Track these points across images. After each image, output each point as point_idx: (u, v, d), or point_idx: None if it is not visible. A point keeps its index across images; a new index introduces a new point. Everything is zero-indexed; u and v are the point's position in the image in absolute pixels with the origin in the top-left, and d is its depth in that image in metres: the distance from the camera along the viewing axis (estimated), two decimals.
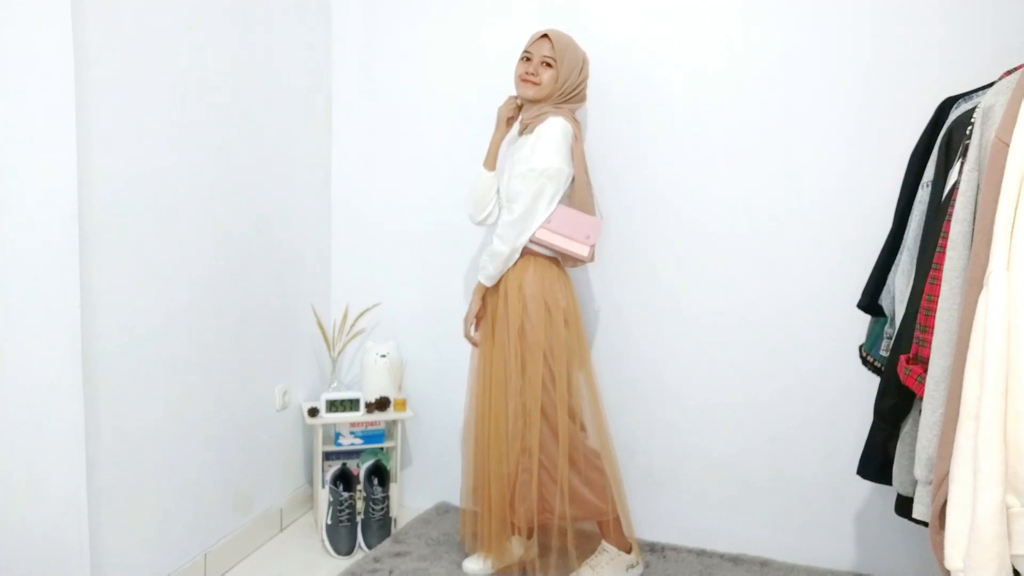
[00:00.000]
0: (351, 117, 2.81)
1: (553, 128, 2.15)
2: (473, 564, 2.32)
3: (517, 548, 2.33)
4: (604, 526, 2.28)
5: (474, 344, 2.34)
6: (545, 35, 2.20)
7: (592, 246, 2.21)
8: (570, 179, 2.21)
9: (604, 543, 2.28)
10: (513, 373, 2.19)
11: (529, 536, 2.31)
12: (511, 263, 2.20)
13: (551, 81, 2.18)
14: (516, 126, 2.33)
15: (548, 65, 2.18)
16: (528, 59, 2.21)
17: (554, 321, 2.20)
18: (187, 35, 2.06)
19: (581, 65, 2.24)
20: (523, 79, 2.20)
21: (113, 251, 1.86)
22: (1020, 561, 1.22)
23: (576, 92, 2.24)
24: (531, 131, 2.21)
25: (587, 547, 2.30)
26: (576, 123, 2.23)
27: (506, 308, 2.21)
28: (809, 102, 2.29)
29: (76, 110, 1.71)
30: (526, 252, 2.21)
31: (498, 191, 2.31)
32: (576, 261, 2.25)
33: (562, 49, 2.19)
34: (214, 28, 2.17)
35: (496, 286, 2.26)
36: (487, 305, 2.30)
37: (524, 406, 2.18)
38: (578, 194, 2.23)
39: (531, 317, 2.18)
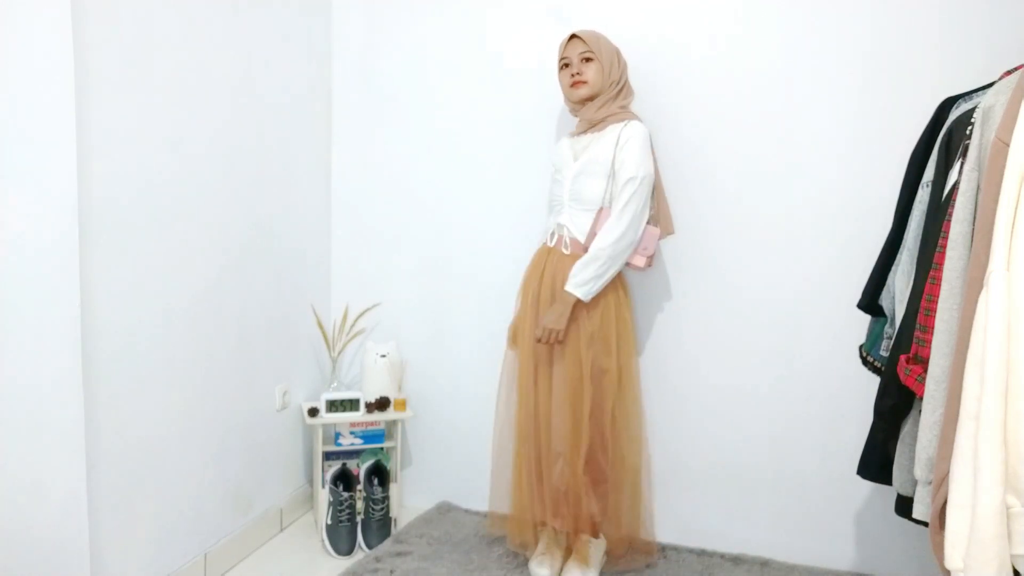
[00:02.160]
0: (351, 117, 2.81)
1: (636, 134, 2.16)
2: (543, 570, 2.26)
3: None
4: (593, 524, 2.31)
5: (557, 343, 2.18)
6: (574, 35, 2.21)
7: (649, 256, 2.23)
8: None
9: (583, 536, 2.30)
10: (584, 376, 2.18)
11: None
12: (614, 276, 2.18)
13: (597, 74, 2.19)
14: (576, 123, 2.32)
15: (588, 60, 2.20)
16: (567, 64, 2.23)
17: (621, 323, 2.25)
18: (187, 35, 2.06)
19: (616, 53, 2.25)
20: (572, 84, 2.21)
21: (113, 251, 1.86)
22: (1020, 561, 1.22)
23: (623, 81, 2.26)
24: (599, 129, 2.23)
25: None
26: None
27: (576, 315, 2.17)
28: (809, 102, 2.29)
29: (76, 110, 1.71)
30: None
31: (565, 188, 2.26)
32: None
33: (595, 41, 2.20)
34: (214, 28, 2.17)
35: (563, 279, 2.19)
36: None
37: (623, 410, 2.25)
38: (657, 198, 2.26)
39: (601, 322, 2.21)
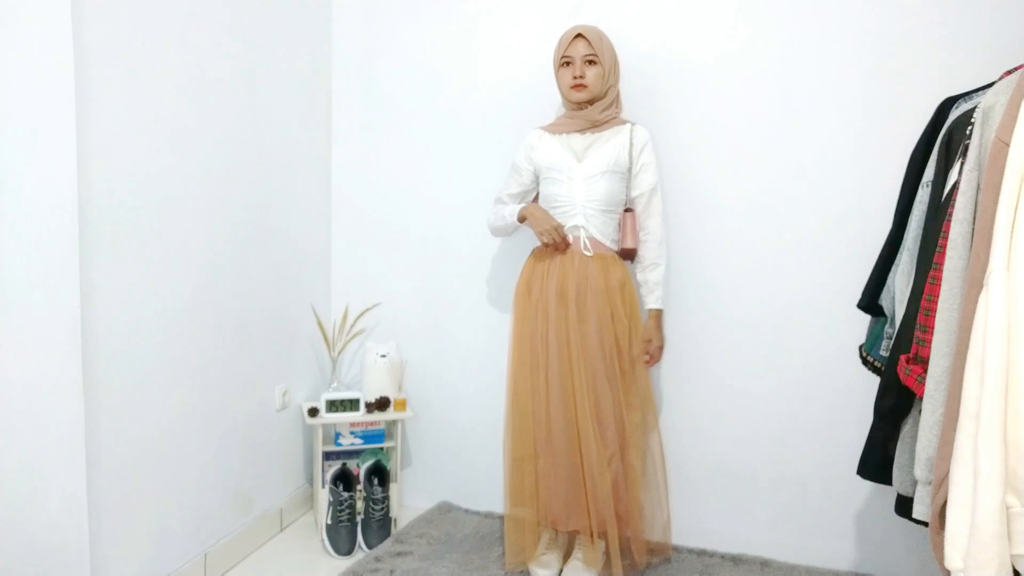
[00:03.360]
0: (351, 117, 2.81)
1: (648, 141, 2.26)
2: (545, 570, 2.27)
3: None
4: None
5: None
6: (579, 34, 2.21)
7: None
8: None
9: (581, 536, 2.30)
10: (611, 370, 2.20)
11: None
12: None
13: (598, 78, 2.21)
14: (561, 120, 2.33)
15: (591, 63, 2.20)
16: (568, 63, 2.22)
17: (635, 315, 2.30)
18: (187, 35, 2.06)
19: (614, 54, 2.26)
20: (574, 86, 2.21)
21: (113, 251, 1.86)
22: (1020, 561, 1.22)
23: (617, 81, 2.29)
24: (600, 131, 2.25)
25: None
26: None
27: (608, 306, 2.21)
28: (809, 102, 2.29)
29: (76, 110, 1.71)
30: (623, 255, 2.29)
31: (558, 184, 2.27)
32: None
33: (599, 43, 2.21)
34: (214, 28, 2.17)
35: (587, 279, 2.20)
36: (565, 297, 2.22)
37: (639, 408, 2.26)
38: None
39: (637, 319, 2.28)
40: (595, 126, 2.25)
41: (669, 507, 2.38)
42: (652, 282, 2.27)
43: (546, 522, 2.26)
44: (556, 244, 2.21)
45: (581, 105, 2.24)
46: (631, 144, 2.22)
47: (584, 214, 2.23)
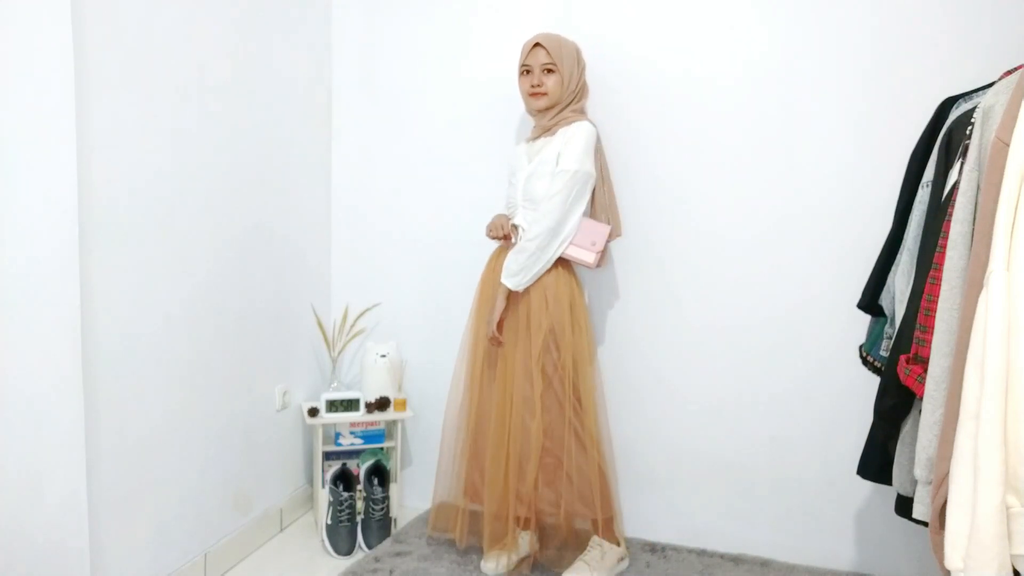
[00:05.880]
0: (351, 117, 2.81)
1: (581, 131, 2.19)
2: (491, 564, 2.29)
3: (524, 543, 2.33)
4: (595, 522, 2.28)
5: (498, 344, 2.25)
6: (537, 43, 2.23)
7: (599, 253, 2.21)
8: (593, 183, 2.24)
9: (594, 538, 2.30)
10: (534, 371, 2.19)
11: (525, 528, 2.31)
12: (545, 269, 2.19)
13: (557, 86, 2.22)
14: (532, 127, 2.34)
15: (550, 71, 2.22)
16: (528, 71, 2.25)
17: (576, 320, 2.24)
18: (187, 35, 2.06)
19: (577, 57, 2.27)
20: (531, 94, 2.24)
21: (113, 251, 1.86)
22: (1020, 561, 1.22)
23: (580, 86, 2.29)
24: (552, 133, 2.24)
25: (578, 542, 2.33)
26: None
27: (528, 308, 2.21)
28: (809, 102, 2.29)
29: (76, 110, 1.71)
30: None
31: (519, 191, 2.28)
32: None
33: (557, 51, 2.22)
34: (214, 28, 2.17)
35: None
36: (507, 306, 2.26)
37: (557, 403, 2.22)
38: (602, 199, 2.29)
39: (558, 318, 2.20)
40: (546, 131, 2.27)
41: (613, 506, 2.32)
42: (507, 259, 2.20)
43: (470, 495, 2.31)
44: (497, 236, 2.29)
45: (541, 112, 2.27)
46: (563, 140, 2.20)
47: (522, 213, 2.26)
